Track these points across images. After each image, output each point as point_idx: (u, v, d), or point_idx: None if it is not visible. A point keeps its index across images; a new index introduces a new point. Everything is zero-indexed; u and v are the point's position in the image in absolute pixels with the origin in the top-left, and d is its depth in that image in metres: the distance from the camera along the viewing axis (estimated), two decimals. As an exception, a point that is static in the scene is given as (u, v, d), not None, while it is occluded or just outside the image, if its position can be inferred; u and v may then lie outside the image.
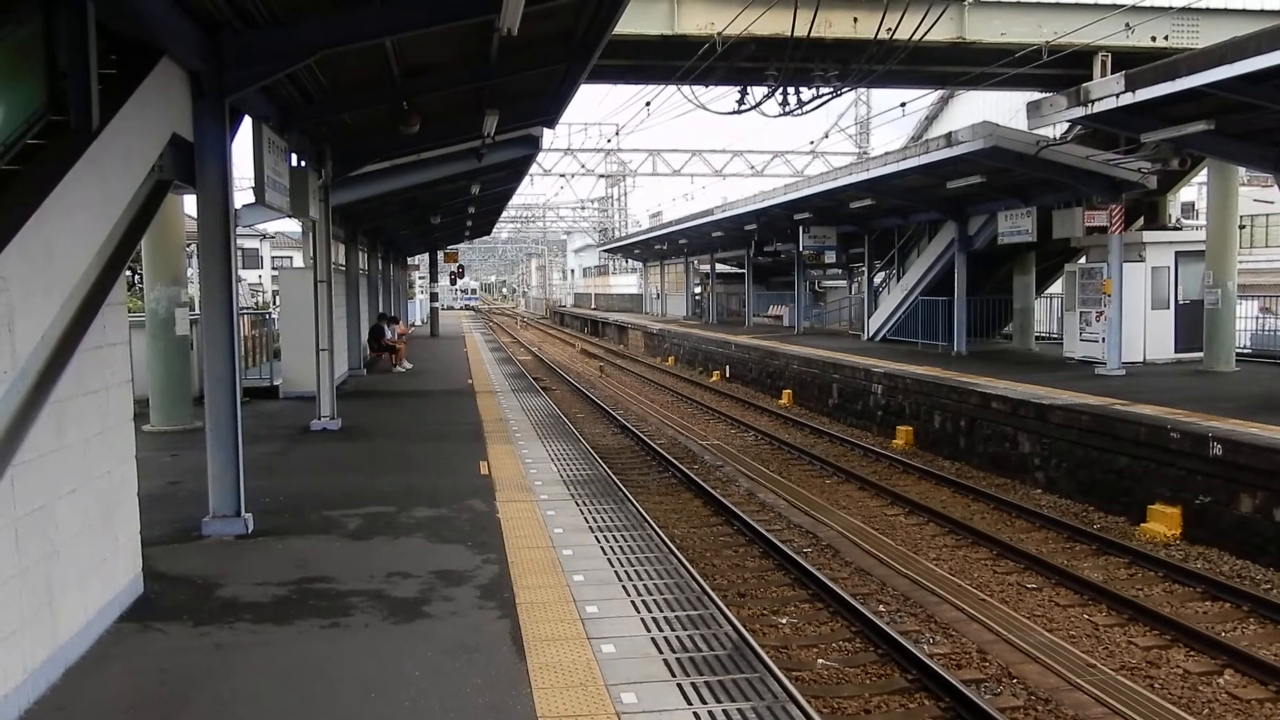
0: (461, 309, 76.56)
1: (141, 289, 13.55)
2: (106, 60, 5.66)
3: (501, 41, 8.91)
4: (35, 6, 4.83)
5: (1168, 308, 17.86)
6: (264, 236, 58.69)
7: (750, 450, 16.36)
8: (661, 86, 20.90)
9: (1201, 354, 16.61)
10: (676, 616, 5.57)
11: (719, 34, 16.78)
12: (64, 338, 4.89)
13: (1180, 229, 19.85)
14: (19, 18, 4.72)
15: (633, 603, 5.80)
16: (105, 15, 5.30)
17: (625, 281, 70.79)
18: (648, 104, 23.56)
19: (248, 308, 29.57)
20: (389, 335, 22.30)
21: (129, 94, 5.57)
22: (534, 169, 35.24)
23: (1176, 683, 6.88)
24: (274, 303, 32.73)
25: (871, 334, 26.35)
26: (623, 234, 63.96)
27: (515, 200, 43.89)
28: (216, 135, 7.12)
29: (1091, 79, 14.44)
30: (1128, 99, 12.02)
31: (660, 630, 5.34)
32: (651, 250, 48.37)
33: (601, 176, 57.36)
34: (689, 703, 4.44)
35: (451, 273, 43.75)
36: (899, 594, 8.82)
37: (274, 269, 56.64)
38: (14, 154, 4.67)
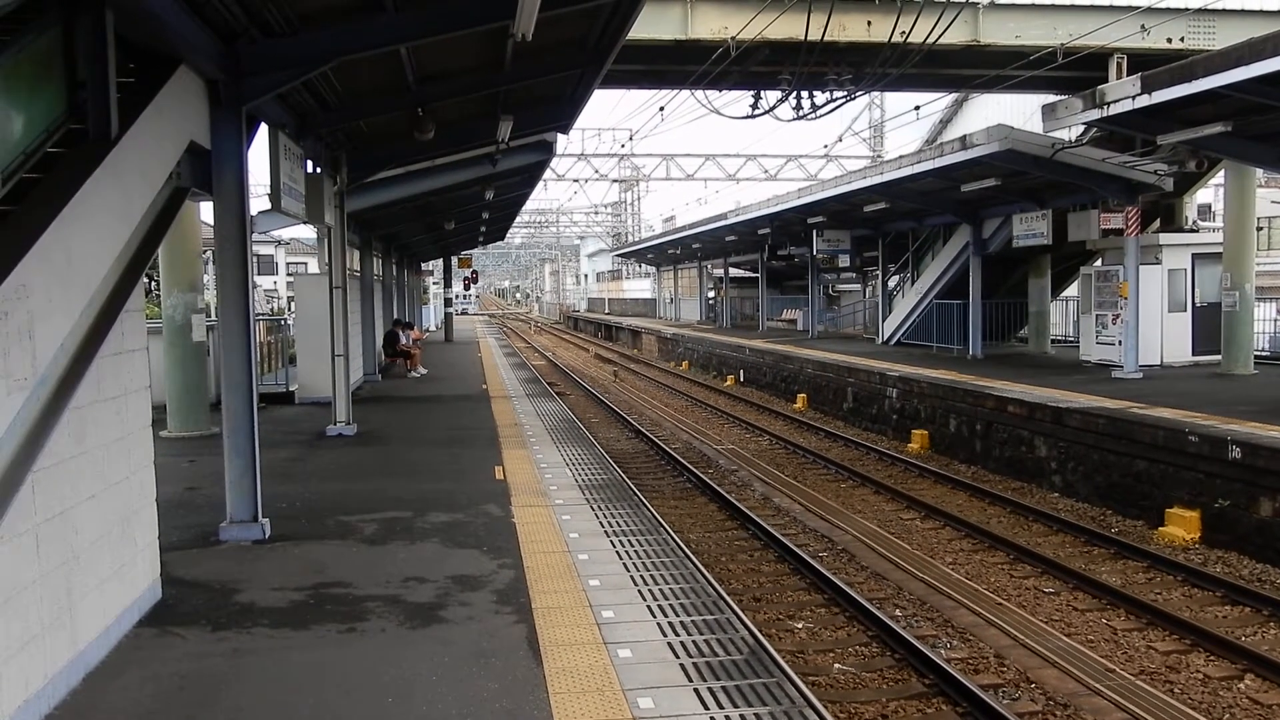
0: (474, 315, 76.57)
1: (158, 295, 13.63)
2: (125, 69, 5.72)
3: (516, 47, 8.92)
4: (54, 17, 4.88)
5: (1185, 310, 17.75)
6: (279, 243, 58.97)
7: (765, 455, 16.33)
8: (675, 91, 20.94)
9: (1219, 356, 16.49)
10: (693, 621, 5.56)
11: (732, 38, 16.78)
12: (83, 344, 4.93)
13: (1197, 231, 19.73)
14: (39, 28, 4.76)
15: (649, 607, 5.80)
16: (124, 25, 5.35)
17: (639, 286, 70.84)
18: (661, 109, 23.52)
19: (263, 314, 29.73)
20: (404, 341, 22.36)
21: (147, 102, 5.61)
22: (548, 174, 35.30)
23: (1197, 687, 6.83)
24: (289, 309, 32.86)
25: (886, 338, 26.27)
26: (636, 238, 63.98)
27: (529, 205, 43.93)
28: (233, 143, 7.17)
29: (1107, 81, 14.38)
30: (1144, 101, 11.95)
31: (677, 635, 5.34)
32: (665, 255, 48.36)
33: (615, 181, 57.41)
34: (706, 707, 4.44)
35: (466, 278, 43.85)
36: (915, 598, 8.78)
37: (289, 275, 56.89)
38: (34, 162, 4.71)
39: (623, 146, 43.43)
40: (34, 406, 4.36)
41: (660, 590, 6.13)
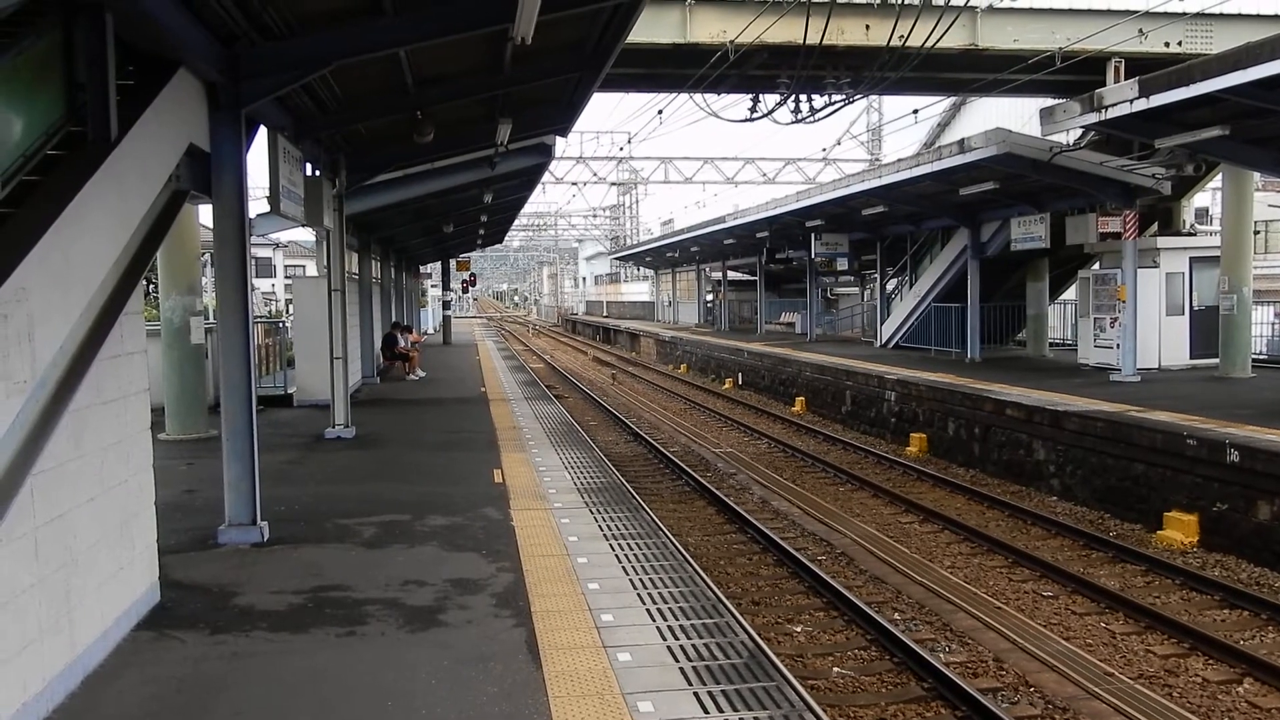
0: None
1: (157, 298, 13.63)
2: (124, 72, 5.71)
3: (515, 50, 8.92)
4: (54, 20, 4.88)
5: (1183, 313, 17.78)
6: (277, 245, 58.87)
7: (763, 458, 16.33)
8: (673, 95, 20.93)
9: (1217, 360, 16.52)
10: (692, 625, 5.56)
11: (731, 42, 16.81)
12: (82, 347, 4.92)
13: (1195, 234, 19.75)
14: (38, 30, 4.76)
15: (648, 611, 5.79)
16: (123, 28, 5.35)
17: (637, 289, 70.81)
18: (660, 112, 23.48)
19: (262, 316, 29.71)
20: (402, 343, 22.37)
21: (146, 105, 5.61)
22: (546, 177, 35.31)
23: (1195, 691, 6.83)
24: (287, 311, 32.84)
25: (884, 341, 26.28)
26: (634, 241, 63.96)
27: (527, 208, 43.95)
28: (232, 145, 7.17)
29: (1105, 85, 14.39)
30: (1141, 105, 11.98)
31: (676, 638, 5.33)
32: (663, 258, 48.39)
33: (613, 184, 57.46)
34: (706, 711, 4.43)
35: (464, 281, 43.88)
36: (914, 602, 8.78)
37: (287, 278, 56.80)
38: (34, 165, 4.70)
39: (621, 149, 43.48)
40: (33, 409, 4.35)
41: (659, 594, 6.12)
